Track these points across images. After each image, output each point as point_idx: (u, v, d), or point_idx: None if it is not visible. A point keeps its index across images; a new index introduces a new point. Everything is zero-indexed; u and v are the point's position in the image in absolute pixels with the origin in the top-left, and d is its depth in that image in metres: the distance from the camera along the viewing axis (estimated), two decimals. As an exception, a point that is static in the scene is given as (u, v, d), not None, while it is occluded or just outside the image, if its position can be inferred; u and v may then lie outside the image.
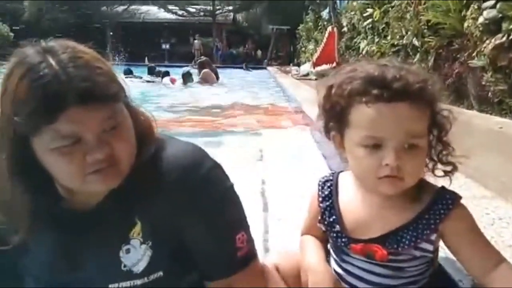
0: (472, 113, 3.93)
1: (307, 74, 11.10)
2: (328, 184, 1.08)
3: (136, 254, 0.95)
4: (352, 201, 1.02)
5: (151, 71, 12.80)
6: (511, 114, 3.73)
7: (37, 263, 0.97)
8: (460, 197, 0.94)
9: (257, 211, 1.97)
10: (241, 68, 21.22)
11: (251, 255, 1.02)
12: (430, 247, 0.93)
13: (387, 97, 0.86)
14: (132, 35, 28.95)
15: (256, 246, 1.07)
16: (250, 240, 1.03)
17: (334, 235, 1.03)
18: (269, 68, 19.89)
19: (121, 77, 0.93)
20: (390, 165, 0.85)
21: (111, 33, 28.80)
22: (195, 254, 1.00)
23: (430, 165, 0.96)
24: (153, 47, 29.06)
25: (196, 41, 28.05)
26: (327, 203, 1.06)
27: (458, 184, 1.50)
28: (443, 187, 0.96)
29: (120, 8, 30.33)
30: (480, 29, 3.75)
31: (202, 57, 13.36)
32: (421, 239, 0.93)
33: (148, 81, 11.89)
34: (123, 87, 0.91)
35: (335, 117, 0.96)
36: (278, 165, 2.91)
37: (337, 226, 1.02)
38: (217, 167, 1.02)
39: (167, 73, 11.88)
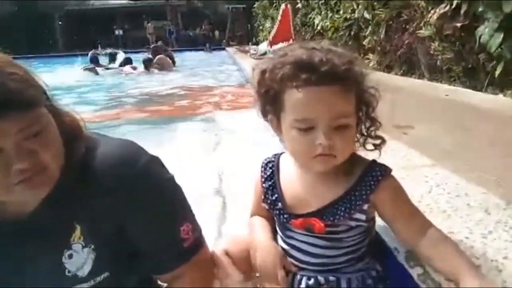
0: (420, 82, 4.05)
1: (265, 53, 11.03)
2: (270, 165, 1.13)
3: (79, 258, 0.93)
4: (291, 180, 1.07)
5: (112, 58, 12.37)
6: (459, 81, 3.86)
7: None
8: (390, 169, 0.99)
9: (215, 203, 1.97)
10: (199, 50, 20.88)
11: (198, 244, 1.03)
12: (363, 217, 0.99)
13: (315, 80, 0.89)
14: (83, 23, 27.82)
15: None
16: (195, 230, 1.03)
17: (277, 212, 1.08)
18: (228, 48, 19.67)
19: (40, 79, 0.88)
20: (322, 145, 0.90)
21: (59, 22, 27.57)
22: (141, 250, 0.99)
23: (361, 140, 1.01)
24: (106, 33, 28.06)
25: (149, 24, 27.25)
26: (269, 183, 1.10)
27: (400, 154, 1.55)
28: (373, 161, 1.01)
29: (68, -5, 29.00)
30: (425, -1, 3.82)
31: (158, 42, 13.03)
32: (355, 210, 0.98)
33: (107, 69, 11.54)
34: (42, 90, 0.87)
35: (270, 101, 0.99)
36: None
37: (279, 204, 1.07)
38: (152, 160, 1.00)
39: (129, 61, 11.54)
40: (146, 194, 0.96)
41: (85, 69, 11.12)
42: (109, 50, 13.45)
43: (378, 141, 1.01)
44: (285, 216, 1.06)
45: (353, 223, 1.00)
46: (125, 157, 0.96)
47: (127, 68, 11.00)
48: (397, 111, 2.37)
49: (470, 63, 3.60)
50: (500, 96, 3.08)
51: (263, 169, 1.13)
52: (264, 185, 1.11)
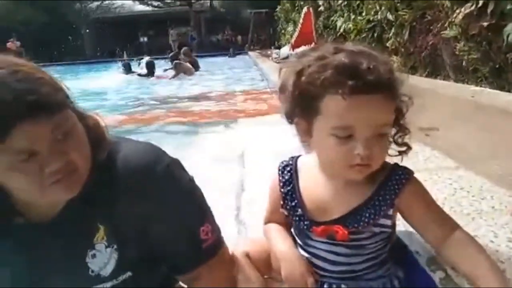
0: (445, 83, 3.96)
1: (287, 57, 11.03)
2: (288, 169, 1.08)
3: (102, 258, 0.95)
4: (312, 184, 1.03)
5: (126, 68, 12.60)
6: (486, 81, 3.76)
7: (3, 280, 0.96)
8: (413, 172, 0.97)
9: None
10: (223, 55, 21.04)
11: (218, 244, 1.04)
12: (388, 222, 0.96)
13: (361, 89, 0.85)
14: (109, 31, 28.51)
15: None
16: (215, 230, 1.04)
17: (297, 219, 1.04)
18: (250, 53, 19.75)
19: (62, 82, 0.91)
20: (360, 155, 0.87)
21: (87, 30, 28.32)
22: (161, 250, 1.01)
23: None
24: (131, 41, 28.65)
25: (172, 31, 27.64)
26: (288, 188, 1.06)
27: (424, 156, 1.52)
28: (396, 164, 0.98)
29: (94, 4, 29.74)
30: (450, -1, 3.76)
31: (182, 48, 13.18)
32: (379, 215, 0.95)
33: (139, 75, 11.79)
34: (67, 94, 0.89)
35: (303, 104, 0.94)
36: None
37: (299, 210, 1.03)
38: (173, 162, 1.02)
39: (151, 64, 11.76)
40: (167, 195, 0.98)
41: (139, 75, 11.49)
42: (146, 58, 13.68)
43: (403, 148, 0.97)
44: (305, 223, 1.02)
45: (377, 229, 0.97)
46: (147, 160, 0.98)
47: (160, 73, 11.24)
48: (422, 113, 2.32)
49: (497, 63, 3.51)
50: (529, 96, 2.99)
51: (280, 172, 1.09)
52: (282, 190, 1.07)
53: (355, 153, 0.87)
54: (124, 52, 18.18)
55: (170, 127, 4.73)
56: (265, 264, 1.09)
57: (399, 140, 0.97)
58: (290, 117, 1.00)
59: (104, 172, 0.94)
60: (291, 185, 1.06)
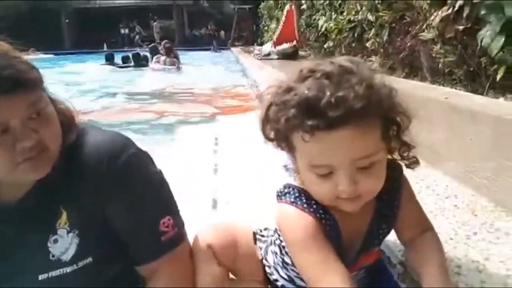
0: (421, 84, 4.04)
1: (269, 54, 11.06)
2: (313, 201, 0.90)
3: (64, 243, 0.96)
4: (336, 213, 0.91)
5: (108, 59, 12.42)
6: (461, 84, 3.84)
7: None
8: (401, 166, 0.94)
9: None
10: (206, 49, 20.93)
11: (178, 238, 1.03)
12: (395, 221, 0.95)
13: (324, 126, 0.77)
14: (89, 21, 27.96)
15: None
16: (177, 224, 1.04)
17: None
18: (232, 48, 19.67)
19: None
20: (345, 191, 0.80)
21: (66, 20, 27.72)
22: (123, 239, 1.02)
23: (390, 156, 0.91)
24: (112, 32, 28.18)
25: (155, 23, 27.37)
26: (330, 221, 0.90)
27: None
28: (389, 160, 0.92)
29: (75, -6, 29.12)
30: (428, 1, 3.82)
31: (163, 41, 13.07)
32: (394, 218, 0.93)
33: (121, 67, 11.62)
34: (41, 76, 0.89)
35: (281, 138, 0.89)
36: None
37: (339, 244, 0.91)
38: (140, 153, 1.03)
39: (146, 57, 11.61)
40: (130, 185, 0.99)
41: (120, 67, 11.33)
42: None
43: (410, 163, 0.91)
44: (342, 259, 0.87)
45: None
46: (113, 148, 0.99)
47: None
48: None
49: (471, 66, 3.59)
50: (501, 100, 3.07)
51: (310, 208, 0.88)
52: (325, 225, 0.88)
53: (339, 189, 0.80)
54: (105, 44, 17.90)
55: (146, 122, 4.69)
56: (227, 254, 1.06)
57: (404, 156, 0.90)
58: (278, 146, 0.93)
59: (70, 157, 0.95)
60: (330, 217, 0.90)
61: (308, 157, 0.82)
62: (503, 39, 2.88)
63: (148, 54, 12.58)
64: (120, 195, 0.98)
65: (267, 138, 0.91)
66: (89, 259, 0.99)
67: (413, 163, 0.91)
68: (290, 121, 0.81)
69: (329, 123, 0.76)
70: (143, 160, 1.04)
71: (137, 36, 25.53)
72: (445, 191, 1.24)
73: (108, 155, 0.97)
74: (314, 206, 0.88)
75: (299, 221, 0.86)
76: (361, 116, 0.77)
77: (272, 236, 1.05)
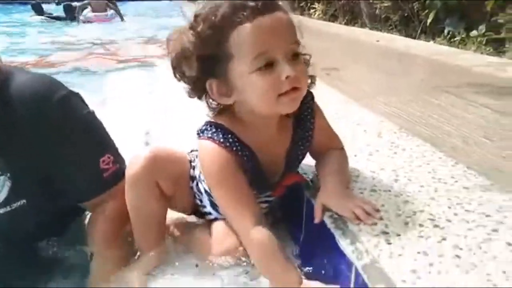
0: (356, 29, 4.16)
1: None
2: (227, 133, 0.92)
3: None
4: (253, 140, 0.94)
5: (36, 9, 11.37)
6: (396, 29, 4.01)
7: None
8: (311, 92, 0.98)
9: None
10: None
11: (119, 175, 1.05)
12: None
13: (262, 8, 0.82)
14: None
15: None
16: (117, 162, 1.06)
17: (257, 183, 0.96)
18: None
19: None
20: (290, 77, 0.81)
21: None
22: (60, 180, 1.02)
23: None
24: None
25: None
26: (245, 152, 0.92)
27: (322, 93, 1.64)
28: None
29: None
30: None
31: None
32: (310, 140, 0.99)
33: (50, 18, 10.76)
34: None
35: (209, 58, 0.87)
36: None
37: (259, 172, 0.96)
38: (71, 95, 1.02)
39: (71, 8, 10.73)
40: (63, 125, 0.98)
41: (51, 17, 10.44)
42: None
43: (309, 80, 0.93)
44: (264, 185, 0.97)
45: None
46: (42, 89, 0.97)
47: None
48: (330, 56, 2.46)
49: (405, 11, 3.74)
50: (430, 43, 3.25)
51: (223, 140, 0.90)
52: (240, 156, 0.91)
53: (283, 77, 0.81)
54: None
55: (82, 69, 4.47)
56: (166, 180, 1.01)
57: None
58: (199, 85, 0.91)
59: None
60: (244, 148, 0.92)
61: (249, 49, 0.82)
62: (432, -15, 3.03)
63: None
64: (56, 138, 0.97)
65: (182, 76, 0.90)
66: (23, 201, 1.00)
67: (312, 80, 0.95)
68: (228, 15, 0.83)
69: (265, 5, 0.82)
70: (74, 101, 1.02)
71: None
72: (359, 120, 1.37)
73: (39, 97, 0.95)
74: (230, 141, 0.91)
75: (215, 156, 0.90)
76: (285, 4, 0.86)
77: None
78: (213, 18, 0.83)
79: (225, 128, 0.92)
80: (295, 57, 0.84)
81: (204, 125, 0.95)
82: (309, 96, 0.98)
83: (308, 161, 1.03)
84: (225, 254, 0.96)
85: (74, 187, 1.04)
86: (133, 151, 1.03)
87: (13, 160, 0.96)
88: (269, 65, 0.82)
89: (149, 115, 2.09)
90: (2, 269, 1.05)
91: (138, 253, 1.05)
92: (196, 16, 0.87)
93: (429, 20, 3.41)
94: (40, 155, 0.97)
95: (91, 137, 1.05)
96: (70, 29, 8.82)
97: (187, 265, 0.99)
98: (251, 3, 0.81)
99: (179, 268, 1.00)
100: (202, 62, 0.86)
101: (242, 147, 0.92)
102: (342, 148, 1.03)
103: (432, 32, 3.45)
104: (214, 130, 0.92)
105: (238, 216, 0.88)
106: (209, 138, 0.91)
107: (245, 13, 0.81)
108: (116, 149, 1.09)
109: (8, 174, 0.97)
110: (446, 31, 3.21)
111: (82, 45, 6.54)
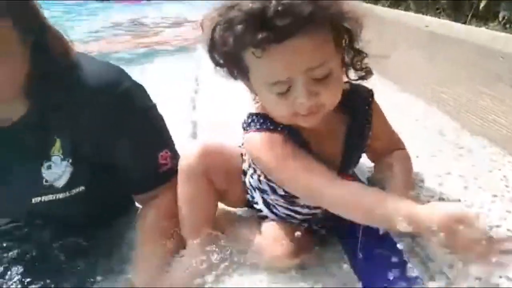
0: (403, 13, 3.98)
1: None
2: (277, 123, 0.88)
3: (57, 170, 0.98)
4: (305, 134, 0.90)
5: None
6: (445, 13, 3.81)
7: None
8: (371, 89, 0.94)
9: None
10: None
11: (174, 170, 1.04)
12: (368, 142, 0.96)
13: (275, 38, 0.73)
14: None
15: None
16: (174, 157, 1.07)
17: None
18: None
19: None
20: (304, 104, 0.78)
21: None
22: (119, 169, 1.04)
23: (344, 69, 0.88)
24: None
25: None
26: (298, 139, 0.89)
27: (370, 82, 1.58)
28: (357, 84, 0.93)
29: None
30: None
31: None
32: (366, 139, 0.94)
33: None
34: (28, 9, 0.87)
35: (232, 63, 0.84)
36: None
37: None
38: (136, 86, 1.03)
39: None
40: (127, 116, 0.99)
41: None
42: None
43: (363, 73, 0.88)
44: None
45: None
46: (109, 79, 0.98)
47: None
48: (377, 42, 2.34)
49: (455, -6, 3.55)
50: (482, 28, 3.07)
51: (278, 128, 0.86)
52: (295, 142, 0.87)
53: (297, 103, 0.78)
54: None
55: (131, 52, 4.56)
56: (219, 176, 1.00)
57: (357, 65, 0.87)
58: (230, 75, 0.88)
59: (66, 85, 0.95)
60: (298, 136, 0.88)
61: (264, 75, 0.79)
62: (487, -34, 2.83)
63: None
64: (118, 128, 0.98)
65: (217, 64, 0.86)
66: (81, 188, 1.01)
67: (367, 73, 0.88)
68: (239, 39, 0.76)
69: (279, 33, 0.73)
70: (138, 93, 1.04)
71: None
72: (416, 113, 1.30)
73: (104, 86, 0.97)
74: (281, 125, 0.86)
75: (270, 143, 0.86)
76: (310, 22, 0.74)
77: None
78: (227, 35, 0.78)
79: (270, 117, 0.87)
80: (323, 78, 0.78)
81: (248, 117, 0.91)
82: (368, 94, 0.92)
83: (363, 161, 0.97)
84: (273, 261, 0.93)
85: (131, 179, 1.06)
86: (179, 142, 1.04)
87: (76, 146, 0.98)
88: (286, 89, 0.78)
89: (194, 104, 2.07)
90: (49, 255, 1.06)
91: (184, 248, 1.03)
92: (215, 27, 0.81)
93: (481, 5, 3.21)
94: (102, 144, 0.98)
95: (152, 130, 1.05)
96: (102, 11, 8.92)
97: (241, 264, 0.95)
98: (261, 34, 0.73)
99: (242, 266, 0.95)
100: (227, 63, 0.84)
101: (294, 133, 0.86)
102: (404, 149, 0.97)
103: (485, 17, 3.26)
104: (261, 120, 0.88)
105: (312, 183, 0.81)
106: (257, 130, 0.87)
107: (256, 41, 0.74)
108: (173, 145, 1.10)
109: (70, 160, 0.98)
110: (501, 16, 3.02)
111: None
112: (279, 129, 0.86)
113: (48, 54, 0.92)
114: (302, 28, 0.73)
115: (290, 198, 0.95)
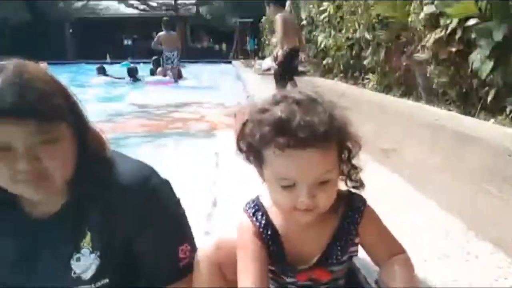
0: (414, 104, 4.12)
1: (269, 69, 11.16)
2: (260, 213, 1.07)
3: (85, 262, 1.03)
4: (285, 227, 1.05)
5: (99, 71, 12.29)
6: (454, 104, 3.93)
7: None
8: (365, 199, 1.05)
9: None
10: (209, 63, 21.10)
11: (193, 264, 1.11)
12: (356, 248, 1.05)
13: (294, 144, 0.89)
14: (93, 32, 28.19)
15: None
16: (193, 251, 1.12)
17: (280, 267, 1.05)
18: (234, 62, 19.86)
19: (73, 93, 0.99)
20: (304, 203, 0.92)
21: (70, 31, 27.96)
22: (141, 263, 1.09)
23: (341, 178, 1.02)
24: (115, 43, 28.40)
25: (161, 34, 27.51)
26: (269, 234, 1.04)
27: (380, 179, 1.61)
28: (350, 192, 1.05)
29: (79, 4, 29.40)
30: (422, 23, 3.92)
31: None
32: (350, 245, 1.02)
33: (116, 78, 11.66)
34: (70, 105, 0.97)
35: (251, 152, 1.01)
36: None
37: (283, 257, 1.04)
38: (163, 183, 1.12)
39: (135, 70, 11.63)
40: (153, 213, 1.06)
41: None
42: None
43: (357, 184, 1.03)
44: (289, 269, 1.04)
45: (346, 258, 1.04)
46: (139, 177, 1.07)
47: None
48: (386, 134, 2.43)
49: (464, 87, 3.68)
50: (489, 123, 3.15)
51: (254, 219, 1.05)
52: (264, 236, 1.03)
53: (299, 200, 0.92)
54: (108, 55, 17.95)
55: (146, 136, 4.74)
56: (234, 271, 1.05)
57: (353, 177, 1.02)
58: (246, 159, 1.05)
59: (100, 183, 1.03)
60: (271, 230, 1.04)
61: (276, 169, 0.93)
62: (492, 63, 2.97)
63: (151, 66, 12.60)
64: (143, 223, 1.05)
65: (240, 149, 1.03)
66: (106, 280, 1.05)
67: (360, 185, 1.02)
68: (264, 137, 0.93)
69: (298, 142, 0.88)
70: (165, 190, 1.13)
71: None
72: (425, 213, 1.31)
73: (134, 185, 1.05)
74: (259, 217, 1.04)
75: (243, 226, 1.05)
76: (324, 139, 0.90)
77: None
78: (255, 132, 0.96)
79: (263, 209, 1.06)
80: (323, 183, 0.92)
81: (250, 201, 1.09)
82: (360, 201, 1.00)
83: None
84: None
85: (152, 272, 1.10)
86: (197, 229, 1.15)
87: (104, 240, 1.04)
88: (291, 185, 0.92)
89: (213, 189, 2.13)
90: None
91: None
92: (246, 122, 0.99)
93: (489, 98, 3.33)
94: (128, 238, 1.05)
95: (175, 225, 1.13)
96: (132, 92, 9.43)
97: None
98: (283, 139, 0.90)
99: None
100: (247, 151, 1.01)
101: (268, 227, 1.03)
102: (404, 253, 1.00)
103: (492, 110, 3.35)
104: (252, 205, 1.07)
105: (240, 280, 0.97)
106: (245, 210, 1.06)
107: (278, 143, 0.90)
108: (193, 239, 1.16)
109: (98, 253, 1.04)
110: (508, 110, 3.10)
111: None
112: (255, 219, 1.04)
113: (88, 150, 1.01)
114: (317, 141, 0.89)
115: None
